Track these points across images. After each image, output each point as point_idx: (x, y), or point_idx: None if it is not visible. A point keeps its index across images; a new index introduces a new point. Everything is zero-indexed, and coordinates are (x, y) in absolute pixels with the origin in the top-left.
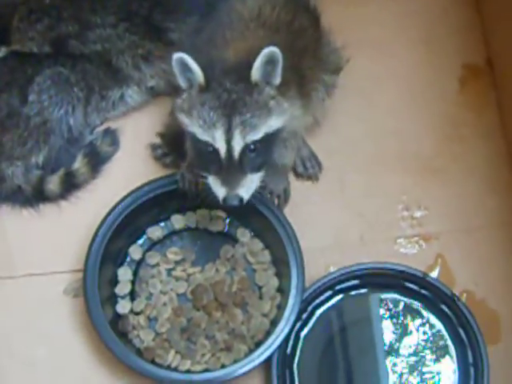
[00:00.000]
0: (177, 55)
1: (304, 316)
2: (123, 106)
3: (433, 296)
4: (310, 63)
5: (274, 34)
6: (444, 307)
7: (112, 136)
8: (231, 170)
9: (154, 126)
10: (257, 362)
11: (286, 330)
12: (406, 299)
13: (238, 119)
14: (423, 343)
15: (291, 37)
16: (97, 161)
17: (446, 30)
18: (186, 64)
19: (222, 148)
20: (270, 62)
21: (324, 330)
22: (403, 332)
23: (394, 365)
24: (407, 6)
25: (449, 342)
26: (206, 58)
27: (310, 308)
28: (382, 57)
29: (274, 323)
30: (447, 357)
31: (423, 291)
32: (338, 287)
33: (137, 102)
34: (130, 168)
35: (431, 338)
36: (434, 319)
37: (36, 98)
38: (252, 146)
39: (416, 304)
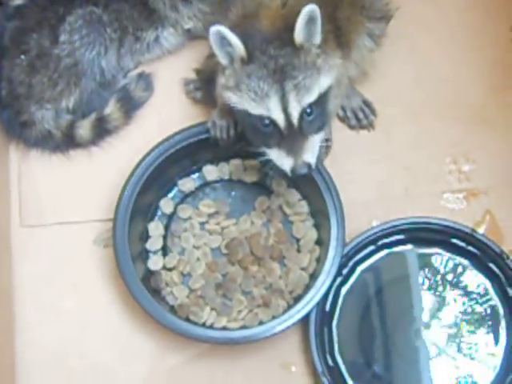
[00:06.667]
0: (214, 28)
1: (345, 271)
2: (158, 49)
3: (481, 253)
4: (346, 13)
5: None
6: (492, 265)
7: (146, 80)
8: (293, 137)
9: (190, 71)
10: (296, 317)
11: (327, 284)
12: (451, 255)
13: (290, 84)
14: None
15: None
16: (130, 106)
17: None
18: (224, 37)
19: (279, 117)
20: (311, 20)
21: (365, 287)
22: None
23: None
24: None
25: (496, 302)
26: (243, 30)
27: (351, 263)
28: (431, 3)
29: (314, 277)
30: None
31: (470, 248)
32: (380, 242)
33: (172, 44)
34: (164, 114)
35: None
36: (481, 277)
37: (67, 38)
38: (308, 110)
39: (462, 261)
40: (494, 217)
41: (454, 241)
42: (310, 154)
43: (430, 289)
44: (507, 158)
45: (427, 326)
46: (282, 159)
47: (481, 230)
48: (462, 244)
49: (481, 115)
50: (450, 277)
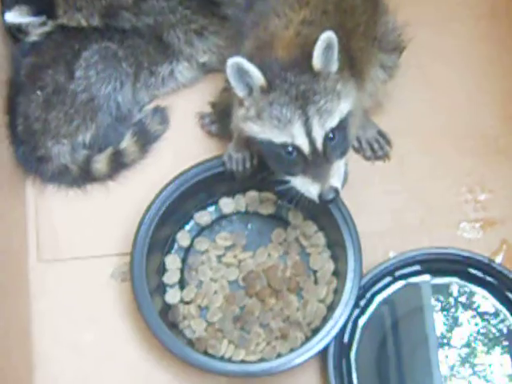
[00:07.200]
0: (231, 60)
1: (362, 303)
2: (173, 83)
3: (498, 283)
4: (360, 44)
5: (320, 16)
6: (510, 294)
7: (162, 114)
8: (317, 163)
9: (205, 105)
10: (315, 350)
11: (345, 316)
12: (468, 285)
13: (313, 109)
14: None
15: (339, 17)
16: (146, 140)
17: (508, 4)
18: (242, 68)
19: (303, 143)
20: (328, 47)
21: (382, 319)
22: (454, 323)
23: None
24: None
25: None
26: (259, 61)
27: (368, 295)
28: (444, 33)
29: (331, 309)
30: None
31: (488, 278)
32: (398, 273)
33: (187, 78)
34: (180, 147)
35: (483, 330)
36: (498, 306)
37: (83, 73)
38: (331, 135)
39: (478, 290)
40: (511, 246)
41: (472, 271)
42: (336, 179)
43: (442, 310)
44: None
45: (441, 346)
46: (307, 186)
47: (498, 260)
48: (480, 274)
49: (495, 145)
50: (463, 299)
